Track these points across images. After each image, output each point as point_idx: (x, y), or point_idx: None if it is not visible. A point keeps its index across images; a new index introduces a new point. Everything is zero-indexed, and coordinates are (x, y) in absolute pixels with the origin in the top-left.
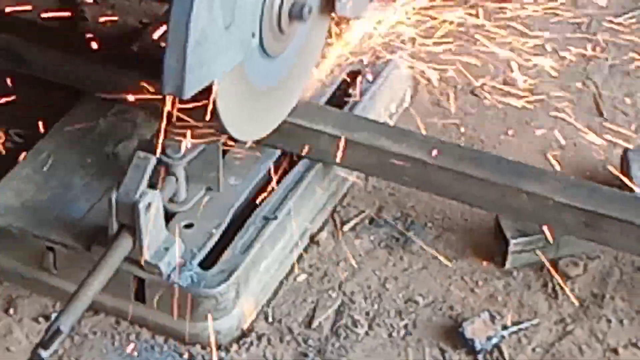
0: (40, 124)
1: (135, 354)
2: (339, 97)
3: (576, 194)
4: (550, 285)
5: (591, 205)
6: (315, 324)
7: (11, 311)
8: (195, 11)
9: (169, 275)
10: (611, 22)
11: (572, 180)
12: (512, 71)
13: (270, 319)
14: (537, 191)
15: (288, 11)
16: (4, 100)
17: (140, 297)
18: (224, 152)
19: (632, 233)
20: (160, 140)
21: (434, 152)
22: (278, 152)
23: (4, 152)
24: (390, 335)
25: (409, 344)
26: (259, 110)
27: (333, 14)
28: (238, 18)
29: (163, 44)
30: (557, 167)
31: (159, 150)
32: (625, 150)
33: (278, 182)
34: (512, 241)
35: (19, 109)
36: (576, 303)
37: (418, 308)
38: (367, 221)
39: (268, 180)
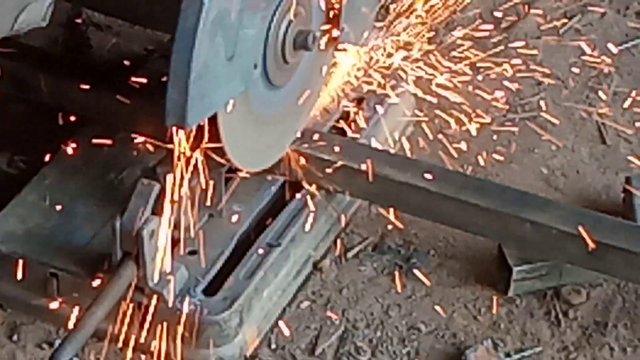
0: (45, 150)
1: None
2: (343, 125)
3: (580, 224)
4: (553, 312)
5: (595, 235)
6: (318, 350)
7: (15, 337)
8: (197, 45)
9: (172, 302)
10: (614, 49)
11: (576, 209)
12: (515, 98)
13: (273, 346)
14: (541, 220)
15: (292, 41)
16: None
17: (143, 324)
18: (228, 179)
19: (636, 263)
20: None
21: (428, 177)
22: (282, 179)
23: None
24: None
25: None
26: (263, 140)
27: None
28: (240, 49)
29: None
30: (560, 195)
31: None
32: (628, 178)
33: (281, 209)
34: (515, 269)
35: (23, 135)
36: (579, 331)
37: (421, 335)
38: (370, 248)
39: (271, 207)
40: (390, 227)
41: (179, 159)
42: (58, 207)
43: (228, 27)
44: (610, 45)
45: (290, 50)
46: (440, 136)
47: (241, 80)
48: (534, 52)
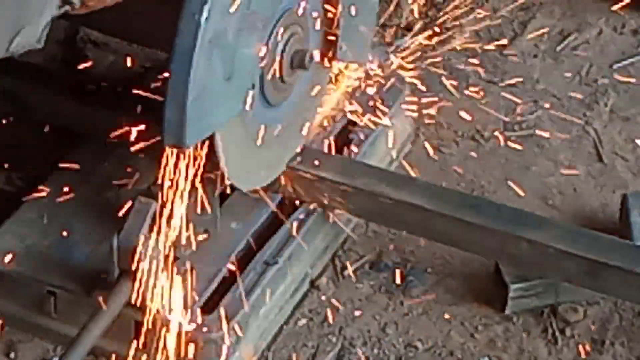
0: (42, 168)
1: None
2: (340, 143)
3: (577, 242)
4: (550, 330)
5: (592, 254)
6: None
7: (12, 355)
8: (194, 65)
9: (169, 320)
10: (611, 67)
11: (573, 228)
12: (512, 117)
13: None
14: (538, 239)
15: (289, 60)
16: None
17: (139, 341)
18: (226, 196)
19: (633, 282)
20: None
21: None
22: (279, 197)
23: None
24: None
25: None
26: (261, 159)
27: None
28: (238, 70)
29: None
30: (557, 213)
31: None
32: (624, 195)
33: (278, 227)
34: (512, 286)
35: (21, 153)
36: (576, 349)
37: (418, 353)
38: (367, 266)
39: (269, 224)
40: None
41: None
42: (55, 225)
43: (225, 47)
44: (607, 63)
45: (287, 70)
46: (437, 154)
47: (239, 100)
48: (531, 70)
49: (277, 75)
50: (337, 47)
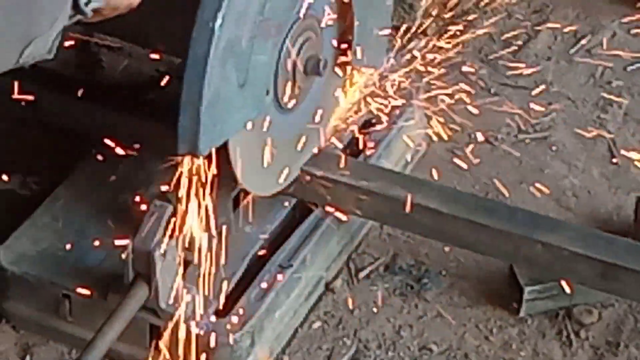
0: (57, 172)
1: None
2: (355, 146)
3: (592, 245)
4: (564, 333)
5: (607, 257)
6: None
7: (27, 358)
8: (208, 73)
9: (184, 324)
10: (625, 69)
11: (588, 230)
12: (526, 119)
13: None
14: (552, 242)
15: (303, 66)
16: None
17: (155, 344)
18: (240, 200)
19: None
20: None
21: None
22: (294, 200)
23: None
24: None
25: None
26: (275, 164)
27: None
28: (251, 76)
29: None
30: (572, 216)
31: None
32: (639, 197)
33: (293, 230)
34: (527, 289)
35: (36, 157)
36: (591, 351)
37: (432, 356)
38: (381, 269)
39: (283, 227)
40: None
41: (190, 182)
42: (70, 228)
43: (239, 54)
44: (621, 66)
45: (301, 76)
46: (451, 157)
47: (253, 107)
48: (544, 73)
49: (291, 81)
50: (351, 53)
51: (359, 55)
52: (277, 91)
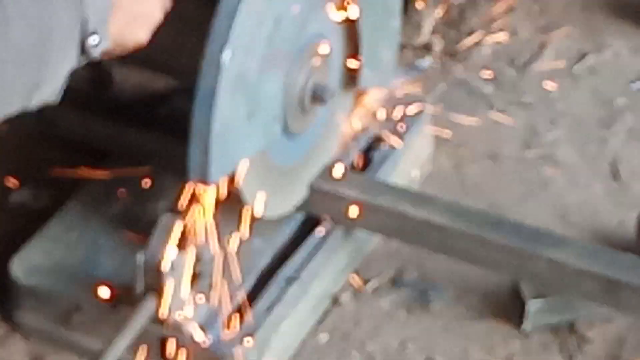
0: (69, 184)
1: None
2: (362, 162)
3: (595, 260)
4: (567, 347)
5: (610, 272)
6: None
7: None
8: (217, 106)
9: (192, 335)
10: (628, 88)
11: (592, 246)
12: (530, 136)
13: None
14: (556, 257)
15: (311, 93)
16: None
17: (164, 356)
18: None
19: None
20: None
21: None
22: (302, 214)
23: None
24: None
25: None
26: (282, 188)
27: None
28: (260, 106)
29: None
30: (575, 232)
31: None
32: None
33: (301, 243)
34: (530, 303)
35: (49, 170)
36: None
37: None
38: (388, 282)
39: (291, 241)
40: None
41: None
42: (82, 240)
43: (248, 85)
44: (625, 83)
45: (309, 102)
46: (457, 173)
47: (263, 135)
48: (549, 89)
49: (300, 107)
50: (359, 76)
51: (366, 78)
52: (286, 118)
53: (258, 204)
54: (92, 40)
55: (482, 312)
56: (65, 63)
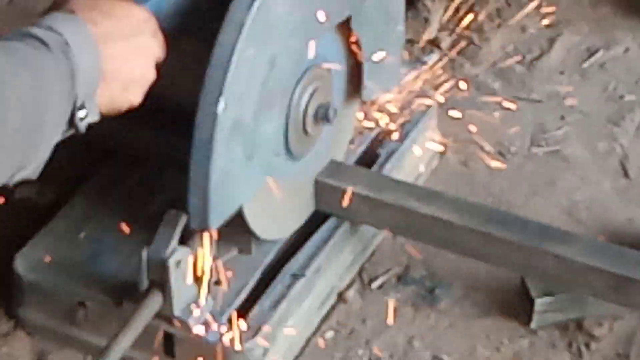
0: (74, 181)
1: None
2: (368, 157)
3: (604, 257)
4: (575, 345)
5: (619, 269)
6: None
7: None
8: (214, 156)
9: (197, 332)
10: (637, 84)
11: (600, 243)
12: (539, 132)
13: None
14: (564, 254)
15: (313, 115)
16: None
17: (169, 352)
18: None
19: None
20: None
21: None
22: None
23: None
24: None
25: None
26: (286, 210)
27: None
28: (260, 146)
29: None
30: (583, 228)
31: None
32: None
33: (306, 239)
34: (538, 300)
35: (52, 166)
36: None
37: None
38: (394, 279)
39: (296, 237)
40: (414, 258)
41: None
42: (86, 237)
43: (245, 130)
44: (634, 80)
45: (311, 123)
46: (464, 169)
47: (263, 173)
48: (557, 86)
49: (301, 129)
50: (363, 89)
51: (370, 89)
52: (288, 144)
53: (260, 227)
54: (80, 114)
55: (490, 309)
56: (53, 140)
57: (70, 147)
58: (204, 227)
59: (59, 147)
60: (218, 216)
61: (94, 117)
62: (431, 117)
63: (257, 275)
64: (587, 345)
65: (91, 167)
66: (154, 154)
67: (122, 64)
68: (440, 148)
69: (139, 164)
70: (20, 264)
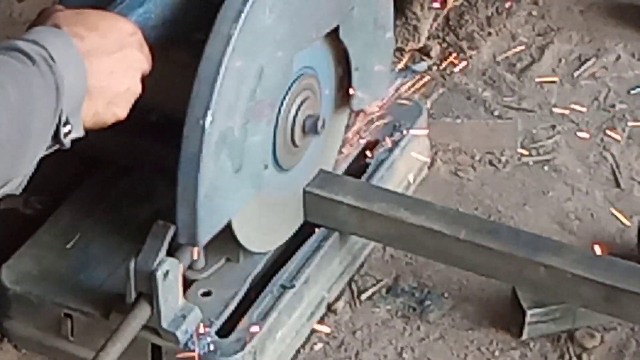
0: (60, 191)
1: None
2: (357, 167)
3: (594, 268)
4: (567, 356)
5: (609, 279)
6: None
7: None
8: (202, 169)
9: (186, 343)
10: (629, 93)
11: (591, 253)
12: (529, 142)
13: None
14: (555, 264)
15: (302, 126)
16: None
17: None
18: None
19: None
20: None
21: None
22: None
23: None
24: None
25: None
26: (274, 222)
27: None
28: (248, 159)
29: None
30: (574, 239)
31: None
32: None
33: (295, 250)
34: (529, 312)
35: (39, 177)
36: None
37: None
38: (384, 290)
39: (285, 248)
40: (404, 269)
41: None
42: (73, 248)
43: (233, 143)
44: (625, 89)
45: (299, 135)
46: (454, 178)
47: (252, 186)
48: (548, 94)
49: (290, 143)
50: (352, 99)
51: (360, 100)
52: (277, 159)
53: (249, 239)
54: (65, 129)
55: (480, 321)
56: (37, 155)
57: (57, 157)
58: (193, 243)
59: (45, 158)
60: (207, 231)
61: (78, 133)
62: (421, 126)
63: (246, 286)
64: (579, 357)
65: (77, 177)
66: (140, 164)
67: (107, 78)
68: (430, 158)
69: (125, 173)
70: (6, 275)
